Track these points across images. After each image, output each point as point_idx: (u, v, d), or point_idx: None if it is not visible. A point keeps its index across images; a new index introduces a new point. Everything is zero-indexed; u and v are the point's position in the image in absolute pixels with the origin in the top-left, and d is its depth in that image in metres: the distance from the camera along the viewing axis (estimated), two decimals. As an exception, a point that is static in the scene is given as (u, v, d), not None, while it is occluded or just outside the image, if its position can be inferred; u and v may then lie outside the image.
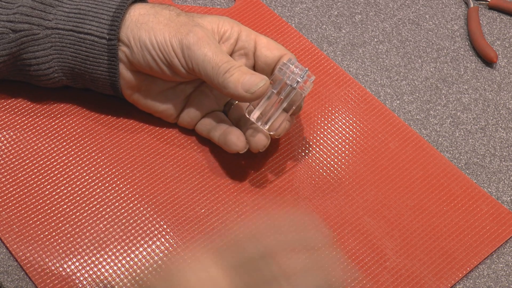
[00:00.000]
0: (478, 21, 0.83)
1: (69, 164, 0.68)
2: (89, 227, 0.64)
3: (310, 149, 0.71)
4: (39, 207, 0.65)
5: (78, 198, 0.66)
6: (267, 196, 0.68)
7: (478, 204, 0.69)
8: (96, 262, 0.62)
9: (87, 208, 0.65)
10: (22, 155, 0.68)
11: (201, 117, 0.69)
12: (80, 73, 0.67)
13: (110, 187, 0.67)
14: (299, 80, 0.62)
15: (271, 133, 0.65)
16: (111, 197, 0.66)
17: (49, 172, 0.67)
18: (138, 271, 0.61)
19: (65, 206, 0.65)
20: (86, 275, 0.61)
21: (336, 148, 0.72)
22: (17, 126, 0.70)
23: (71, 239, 0.63)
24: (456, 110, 0.77)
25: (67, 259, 0.62)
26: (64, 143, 0.69)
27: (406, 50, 0.82)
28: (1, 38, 0.65)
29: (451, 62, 0.81)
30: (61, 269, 0.62)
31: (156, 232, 0.64)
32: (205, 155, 0.70)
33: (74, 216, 0.65)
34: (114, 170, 0.68)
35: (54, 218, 0.64)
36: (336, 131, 0.73)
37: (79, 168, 0.68)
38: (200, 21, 0.66)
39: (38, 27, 0.65)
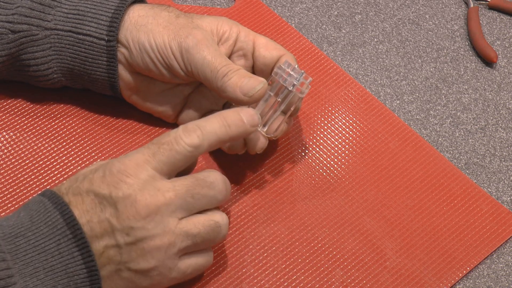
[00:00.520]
0: (478, 21, 0.83)
1: (69, 164, 0.68)
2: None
3: (310, 149, 0.71)
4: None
5: (78, 198, 0.66)
6: (267, 196, 0.68)
7: (478, 204, 0.69)
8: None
9: (87, 208, 0.65)
10: (22, 155, 0.68)
11: (200, 117, 0.69)
12: (79, 74, 0.67)
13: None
14: (295, 83, 0.62)
15: (269, 135, 0.65)
16: (111, 197, 0.66)
17: (49, 172, 0.67)
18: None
19: (65, 206, 0.65)
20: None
21: (336, 148, 0.72)
22: (17, 127, 0.70)
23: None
24: (456, 110, 0.77)
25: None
26: (64, 144, 0.69)
27: (406, 50, 0.82)
28: (0, 39, 0.65)
29: (451, 62, 0.81)
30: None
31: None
32: (203, 155, 0.70)
33: (74, 216, 0.65)
34: (114, 170, 0.68)
35: (54, 218, 0.64)
36: (336, 131, 0.73)
37: (79, 168, 0.68)
38: (199, 22, 0.66)
39: (37, 28, 0.65)
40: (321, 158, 0.71)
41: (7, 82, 0.70)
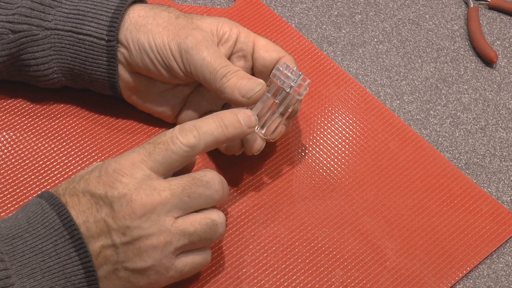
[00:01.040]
0: (478, 21, 0.83)
1: (69, 164, 0.68)
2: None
3: (310, 149, 0.71)
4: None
5: (78, 198, 0.66)
6: (267, 196, 0.68)
7: (478, 204, 0.69)
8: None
9: (87, 208, 0.65)
10: (22, 155, 0.68)
11: (199, 117, 0.69)
12: (80, 74, 0.67)
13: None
14: (293, 84, 0.62)
15: (267, 137, 0.65)
16: (111, 197, 0.66)
17: (49, 172, 0.67)
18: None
19: (65, 206, 0.65)
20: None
21: (336, 148, 0.72)
22: (17, 127, 0.70)
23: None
24: (456, 110, 0.77)
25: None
26: (64, 144, 0.69)
27: (406, 50, 0.82)
28: (0, 39, 0.65)
29: (451, 62, 0.81)
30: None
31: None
32: (202, 155, 0.70)
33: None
34: (114, 170, 0.68)
35: (54, 218, 0.64)
36: (336, 131, 0.73)
37: (79, 168, 0.68)
38: (199, 23, 0.66)
39: (38, 28, 0.65)
40: (321, 158, 0.71)
41: (7, 82, 0.70)
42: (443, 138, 0.74)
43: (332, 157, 0.71)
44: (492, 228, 0.67)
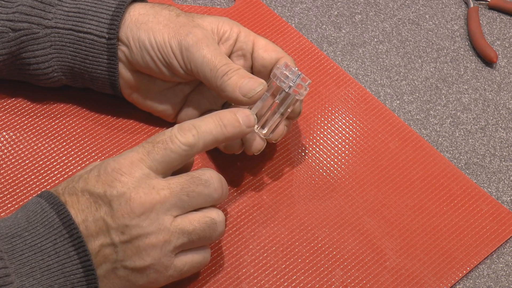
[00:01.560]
0: (478, 21, 0.83)
1: (69, 164, 0.68)
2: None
3: (310, 149, 0.71)
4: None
5: (78, 198, 0.66)
6: (266, 196, 0.68)
7: (478, 204, 0.69)
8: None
9: (87, 208, 0.65)
10: (22, 155, 0.68)
11: (199, 116, 0.69)
12: (80, 72, 0.67)
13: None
14: (291, 84, 0.62)
15: (268, 137, 0.65)
16: (111, 197, 0.66)
17: (49, 172, 0.67)
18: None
19: (65, 206, 0.65)
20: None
21: (336, 148, 0.72)
22: (17, 126, 0.70)
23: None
24: (456, 110, 0.77)
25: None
26: (64, 143, 0.69)
27: (406, 50, 0.82)
28: (0, 37, 0.65)
29: (451, 62, 0.81)
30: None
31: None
32: (201, 154, 0.70)
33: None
34: (114, 170, 0.68)
35: (54, 218, 0.64)
36: (336, 131, 0.73)
37: (79, 168, 0.68)
38: (199, 21, 0.66)
39: (38, 26, 0.65)
40: (321, 158, 0.71)
41: (7, 81, 0.70)
42: (443, 138, 0.74)
43: (332, 157, 0.71)
44: (492, 228, 0.67)
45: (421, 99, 0.77)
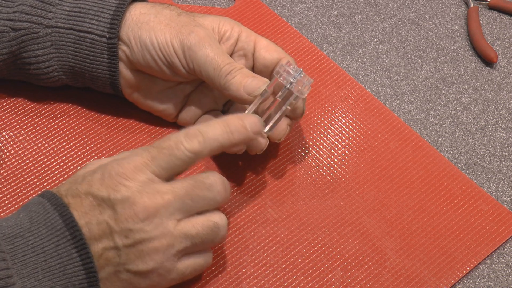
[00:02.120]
0: (478, 21, 0.83)
1: (69, 164, 0.68)
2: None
3: (310, 149, 0.71)
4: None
5: (78, 198, 0.66)
6: (266, 196, 0.68)
7: (478, 204, 0.69)
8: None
9: (87, 208, 0.65)
10: (22, 155, 0.68)
11: (200, 116, 0.69)
12: (80, 72, 0.67)
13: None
14: (292, 80, 0.62)
15: (271, 136, 0.65)
16: (111, 197, 0.66)
17: (49, 172, 0.67)
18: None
19: (65, 206, 0.65)
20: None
21: (336, 148, 0.72)
22: (17, 126, 0.70)
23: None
24: (456, 110, 0.77)
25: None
26: (64, 143, 0.69)
27: (406, 50, 0.82)
28: (1, 37, 0.65)
29: (451, 62, 0.81)
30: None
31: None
32: (204, 154, 0.70)
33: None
34: (114, 170, 0.68)
35: (54, 218, 0.64)
36: (336, 131, 0.73)
37: (79, 168, 0.68)
38: (201, 20, 0.66)
39: (38, 26, 0.65)
40: (321, 158, 0.71)
41: (7, 81, 0.70)
42: (443, 138, 0.74)
43: (332, 157, 0.71)
44: (492, 228, 0.67)
45: (421, 99, 0.77)
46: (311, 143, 0.72)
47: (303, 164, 0.70)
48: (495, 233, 0.67)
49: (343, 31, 0.83)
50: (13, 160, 0.67)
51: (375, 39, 0.82)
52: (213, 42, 0.64)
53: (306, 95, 0.63)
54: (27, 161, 0.68)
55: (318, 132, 0.73)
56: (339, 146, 0.72)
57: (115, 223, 0.54)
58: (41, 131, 0.70)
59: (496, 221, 0.68)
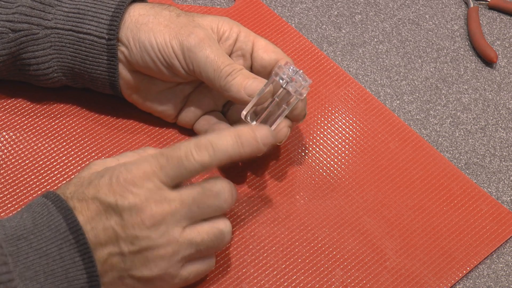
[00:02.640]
0: (478, 21, 0.83)
1: (69, 164, 0.68)
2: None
3: (310, 149, 0.71)
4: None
5: (78, 198, 0.66)
6: (266, 196, 0.68)
7: (478, 204, 0.69)
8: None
9: (87, 208, 0.65)
10: (22, 155, 0.68)
11: (200, 117, 0.69)
12: (80, 73, 0.67)
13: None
14: (288, 80, 0.62)
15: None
16: (111, 197, 0.66)
17: (49, 172, 0.67)
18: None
19: (65, 206, 0.65)
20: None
21: (336, 148, 0.72)
22: (17, 126, 0.70)
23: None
24: (456, 110, 0.77)
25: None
26: (64, 143, 0.69)
27: (406, 50, 0.82)
28: (0, 38, 0.65)
29: (451, 62, 0.81)
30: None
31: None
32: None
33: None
34: (114, 170, 0.68)
35: (54, 218, 0.64)
36: (336, 131, 0.73)
37: (79, 168, 0.68)
38: (200, 21, 0.66)
39: (38, 27, 0.65)
40: (321, 158, 0.71)
41: (7, 81, 0.70)
42: (443, 138, 0.74)
43: (332, 157, 0.71)
44: (492, 228, 0.67)
45: (421, 99, 0.77)
46: (311, 143, 0.72)
47: (303, 164, 0.70)
48: (495, 233, 0.67)
49: (343, 31, 0.83)
50: (13, 160, 0.67)
51: (375, 39, 0.82)
52: (212, 43, 0.64)
53: (304, 96, 0.63)
54: (27, 161, 0.68)
55: (318, 132, 0.73)
56: (339, 146, 0.72)
57: (122, 230, 0.54)
58: (41, 131, 0.70)
59: (496, 221, 0.68)
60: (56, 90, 0.71)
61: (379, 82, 0.78)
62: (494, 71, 0.80)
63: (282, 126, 0.65)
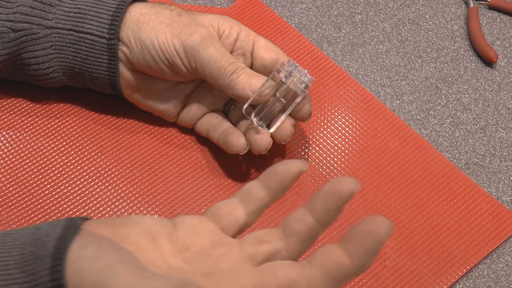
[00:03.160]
0: (478, 21, 0.83)
1: (69, 164, 0.68)
2: (89, 227, 0.64)
3: (310, 148, 0.71)
4: (39, 207, 0.65)
5: (78, 198, 0.66)
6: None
7: (478, 203, 0.69)
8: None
9: (87, 208, 0.65)
10: (22, 155, 0.68)
11: (201, 116, 0.69)
12: (80, 73, 0.67)
13: (110, 187, 0.67)
14: (286, 74, 0.62)
15: (275, 135, 0.65)
16: (111, 197, 0.66)
17: (49, 172, 0.67)
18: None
19: (65, 206, 0.65)
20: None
21: (336, 148, 0.72)
22: (17, 126, 0.70)
23: (71, 238, 0.63)
24: (456, 110, 0.77)
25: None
26: (64, 143, 0.69)
27: (406, 50, 0.82)
28: (1, 38, 0.65)
29: (451, 62, 0.81)
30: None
31: (156, 231, 0.64)
32: (204, 155, 0.70)
33: (74, 216, 0.65)
34: (114, 170, 0.68)
35: (54, 218, 0.64)
36: (336, 131, 0.73)
37: (79, 168, 0.68)
38: (201, 18, 0.66)
39: (38, 27, 0.65)
40: (321, 158, 0.71)
41: (7, 81, 0.70)
42: (443, 138, 0.74)
43: (332, 156, 0.71)
44: (492, 227, 0.68)
45: (421, 99, 0.77)
46: (311, 142, 0.72)
47: (303, 164, 0.70)
48: (494, 232, 0.67)
49: (343, 31, 0.83)
50: (13, 160, 0.67)
51: (375, 39, 0.82)
52: (215, 41, 0.64)
53: (306, 93, 0.63)
54: (27, 161, 0.68)
55: (318, 132, 0.73)
56: (339, 145, 0.72)
57: None
58: (41, 131, 0.70)
59: (496, 220, 0.68)
60: (56, 90, 0.71)
61: (379, 82, 0.78)
62: (494, 71, 0.81)
63: (286, 124, 0.65)
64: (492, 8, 0.86)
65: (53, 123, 0.70)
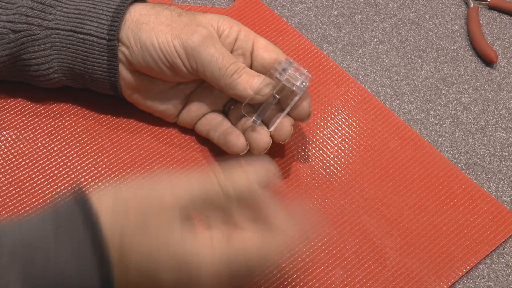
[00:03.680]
0: (478, 21, 0.83)
1: (69, 164, 0.68)
2: (89, 227, 0.64)
3: (310, 148, 0.71)
4: (39, 207, 0.65)
5: (78, 198, 0.66)
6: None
7: (478, 203, 0.69)
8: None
9: (87, 207, 0.65)
10: (22, 155, 0.68)
11: (201, 117, 0.69)
12: (80, 74, 0.67)
13: (110, 187, 0.67)
14: (282, 72, 0.62)
15: (274, 135, 0.65)
16: (111, 196, 0.66)
17: (49, 172, 0.67)
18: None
19: (65, 206, 0.65)
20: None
21: (336, 148, 0.72)
22: (17, 126, 0.70)
23: (71, 238, 0.63)
24: (456, 110, 0.77)
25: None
26: (64, 143, 0.69)
27: (406, 50, 0.82)
28: (0, 39, 0.65)
29: (451, 62, 0.81)
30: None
31: (156, 231, 0.64)
32: (204, 155, 0.70)
33: (74, 216, 0.64)
34: (114, 170, 0.68)
35: (54, 217, 0.64)
36: (336, 131, 0.73)
37: (79, 168, 0.68)
38: (201, 18, 0.66)
39: (38, 28, 0.65)
40: (321, 158, 0.71)
41: (7, 82, 0.70)
42: (443, 138, 0.74)
43: (332, 156, 0.71)
44: (492, 227, 0.68)
45: (421, 99, 0.77)
46: (311, 142, 0.72)
47: (303, 164, 0.70)
48: (494, 232, 0.67)
49: (343, 31, 0.83)
50: (13, 160, 0.67)
51: (375, 39, 0.82)
52: (216, 41, 0.64)
53: (304, 90, 0.63)
54: (27, 161, 0.68)
55: (318, 132, 0.73)
56: (339, 145, 0.72)
57: None
58: (41, 131, 0.70)
59: (496, 220, 0.68)
60: (56, 90, 0.71)
61: (379, 82, 0.78)
62: (494, 71, 0.81)
63: (285, 124, 0.65)
64: (492, 8, 0.86)
65: (53, 123, 0.70)
